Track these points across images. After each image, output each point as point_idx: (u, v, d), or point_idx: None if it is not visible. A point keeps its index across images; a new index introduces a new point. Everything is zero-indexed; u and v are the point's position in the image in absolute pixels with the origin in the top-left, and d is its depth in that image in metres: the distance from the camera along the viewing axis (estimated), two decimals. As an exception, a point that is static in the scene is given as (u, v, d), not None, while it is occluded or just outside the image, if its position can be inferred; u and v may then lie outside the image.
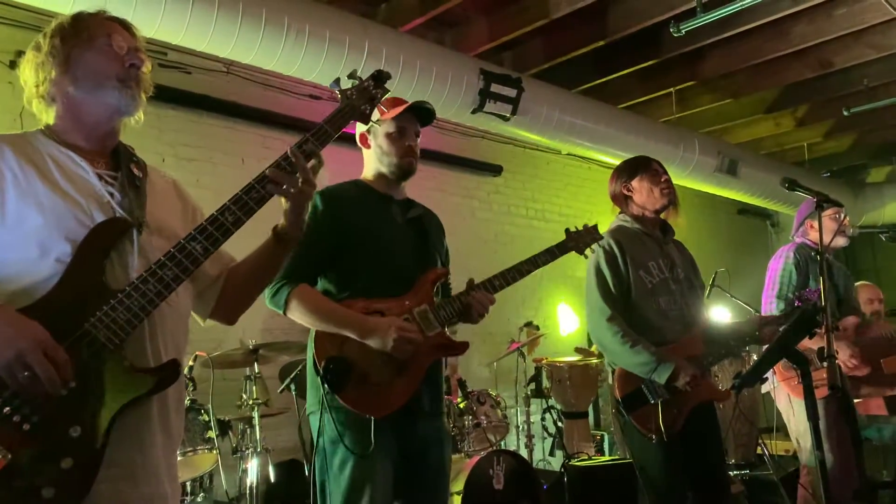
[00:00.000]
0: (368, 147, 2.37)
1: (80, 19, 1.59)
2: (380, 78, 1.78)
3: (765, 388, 3.78)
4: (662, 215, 3.00)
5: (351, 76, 1.80)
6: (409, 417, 2.17)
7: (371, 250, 2.22)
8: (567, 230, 2.64)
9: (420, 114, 2.38)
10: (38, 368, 1.30)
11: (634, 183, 2.97)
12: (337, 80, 1.79)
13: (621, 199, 3.03)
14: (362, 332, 2.10)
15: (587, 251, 2.65)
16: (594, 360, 5.72)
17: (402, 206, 2.38)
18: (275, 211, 1.70)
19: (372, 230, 2.25)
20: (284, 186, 1.56)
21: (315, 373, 2.12)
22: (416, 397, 2.17)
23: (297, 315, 2.15)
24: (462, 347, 2.35)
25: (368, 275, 2.21)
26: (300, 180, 1.57)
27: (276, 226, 1.67)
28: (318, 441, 2.14)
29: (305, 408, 2.29)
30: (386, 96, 1.87)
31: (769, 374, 3.62)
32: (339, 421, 2.09)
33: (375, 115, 2.30)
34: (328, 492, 2.12)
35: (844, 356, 3.48)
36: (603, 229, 2.79)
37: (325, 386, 2.05)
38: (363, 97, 1.74)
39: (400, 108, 2.32)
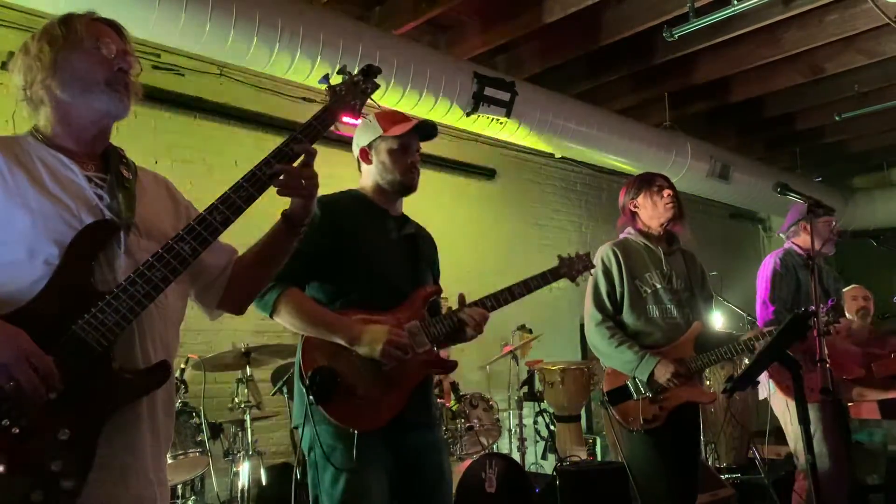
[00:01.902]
0: (369, 163, 2.33)
1: (68, 21, 1.58)
2: (369, 73, 1.76)
3: (762, 395, 3.78)
4: (670, 227, 3.14)
5: (341, 72, 1.78)
6: (401, 429, 2.15)
7: (364, 262, 2.20)
8: (559, 256, 2.65)
9: (422, 129, 2.35)
10: (22, 379, 1.30)
11: (639, 199, 3.14)
12: (326, 76, 1.77)
13: (629, 215, 3.19)
14: (351, 338, 2.07)
15: (579, 279, 2.66)
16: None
17: (398, 221, 2.36)
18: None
19: (366, 242, 2.23)
20: (296, 187, 1.58)
21: (300, 382, 2.09)
22: (405, 411, 2.15)
23: (285, 319, 2.12)
24: (451, 365, 2.34)
25: (359, 287, 2.19)
26: (299, 176, 1.58)
27: (285, 210, 1.67)
28: (308, 454, 2.12)
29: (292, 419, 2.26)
30: (379, 97, 1.85)
31: (765, 380, 3.64)
32: (328, 435, 2.07)
33: (376, 126, 2.29)
34: None
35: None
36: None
37: (310, 397, 2.02)
38: (353, 92, 1.73)
39: (406, 127, 2.29)
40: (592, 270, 2.75)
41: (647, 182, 3.15)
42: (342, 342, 2.08)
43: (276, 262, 1.77)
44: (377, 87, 1.77)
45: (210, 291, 1.72)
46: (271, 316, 2.13)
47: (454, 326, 2.25)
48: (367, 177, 2.37)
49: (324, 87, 1.75)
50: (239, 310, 1.79)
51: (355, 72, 1.76)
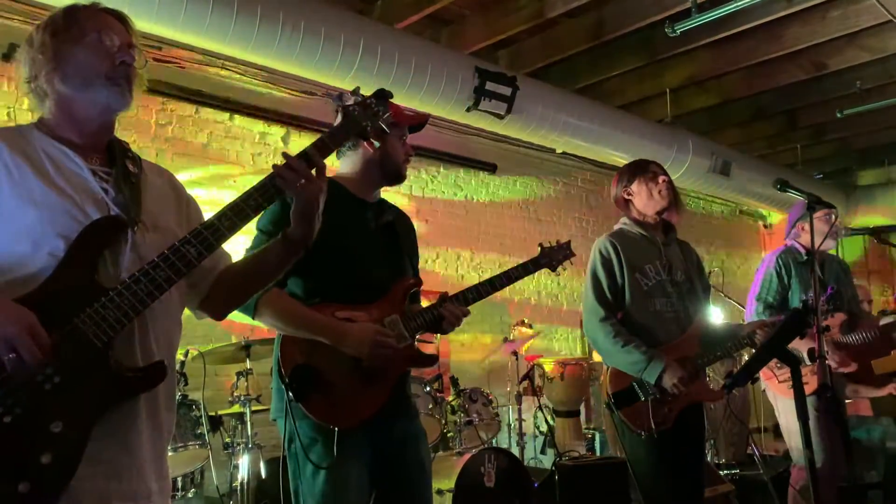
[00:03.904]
0: (374, 147, 2.30)
1: (72, 13, 1.56)
2: (382, 97, 1.80)
3: (764, 385, 3.79)
4: (665, 216, 3.04)
5: (354, 93, 1.82)
6: (381, 422, 2.13)
7: (342, 257, 2.17)
8: (541, 245, 2.64)
9: (421, 122, 2.42)
10: (23, 349, 1.29)
11: (634, 187, 3.01)
12: (339, 96, 1.83)
13: (623, 204, 3.07)
14: (337, 338, 2.05)
15: (559, 268, 2.64)
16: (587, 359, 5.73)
17: (375, 210, 2.34)
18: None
19: (344, 236, 2.19)
20: (293, 183, 1.56)
21: (279, 379, 2.07)
22: (385, 406, 2.14)
23: (268, 320, 2.08)
24: (430, 360, 2.34)
25: (339, 281, 2.16)
26: (304, 180, 1.57)
27: (286, 229, 1.65)
28: (289, 447, 2.11)
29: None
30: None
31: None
32: (308, 429, 2.06)
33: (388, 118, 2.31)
34: (302, 499, 2.09)
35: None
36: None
37: (290, 394, 2.01)
38: (366, 114, 1.75)
39: (417, 119, 2.35)
40: (573, 259, 2.69)
41: (641, 168, 3.03)
42: (328, 342, 2.06)
43: (269, 277, 1.74)
44: (388, 110, 1.79)
45: (194, 291, 1.70)
46: (253, 318, 2.09)
47: (433, 320, 2.24)
48: (357, 162, 2.31)
49: (337, 105, 1.83)
50: (218, 315, 1.76)
51: (368, 94, 1.79)
